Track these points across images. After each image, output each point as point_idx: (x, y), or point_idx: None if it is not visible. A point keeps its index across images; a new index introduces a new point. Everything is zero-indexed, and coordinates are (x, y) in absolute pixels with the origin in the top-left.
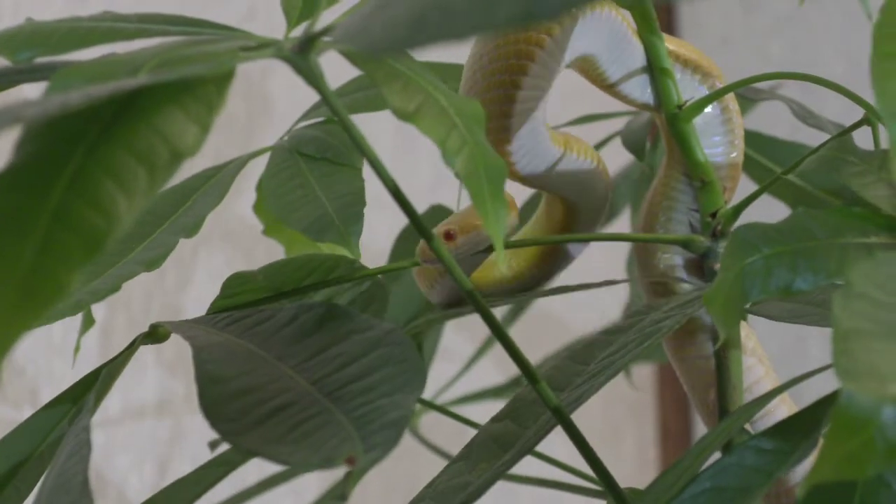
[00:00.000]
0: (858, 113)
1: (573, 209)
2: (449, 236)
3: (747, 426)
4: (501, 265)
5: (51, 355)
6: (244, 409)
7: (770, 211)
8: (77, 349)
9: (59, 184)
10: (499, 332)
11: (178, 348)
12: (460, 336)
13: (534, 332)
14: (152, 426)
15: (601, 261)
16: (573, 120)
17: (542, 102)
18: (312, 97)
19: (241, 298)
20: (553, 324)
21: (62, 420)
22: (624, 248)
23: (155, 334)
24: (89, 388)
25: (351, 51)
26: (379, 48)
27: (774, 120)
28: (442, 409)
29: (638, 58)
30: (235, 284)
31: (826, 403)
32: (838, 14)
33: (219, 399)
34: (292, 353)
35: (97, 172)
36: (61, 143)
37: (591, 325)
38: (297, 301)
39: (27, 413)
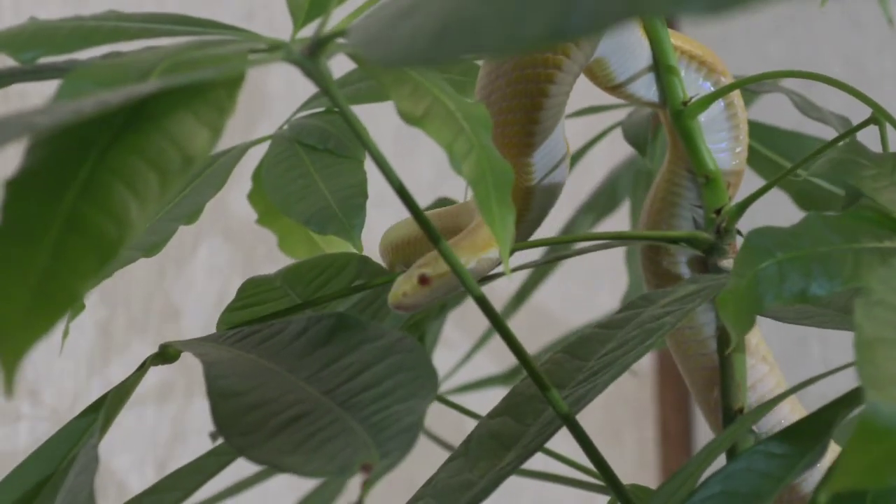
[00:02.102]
0: (859, 114)
1: (533, 192)
2: (424, 280)
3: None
4: (508, 273)
5: (51, 355)
6: (258, 423)
7: (774, 205)
8: (65, 335)
9: (70, 190)
10: (503, 331)
11: None
12: (460, 329)
13: (533, 331)
14: (153, 421)
15: (600, 256)
16: (575, 112)
17: (564, 108)
18: (312, 91)
19: (257, 300)
20: (552, 323)
21: (80, 439)
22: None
23: (164, 355)
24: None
25: (361, 54)
26: (398, 60)
27: (780, 113)
28: (443, 400)
29: (645, 56)
30: (250, 288)
31: (835, 407)
32: (838, 15)
33: (232, 413)
34: (304, 364)
35: (109, 178)
36: (73, 149)
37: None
38: (319, 309)
39: (27, 412)
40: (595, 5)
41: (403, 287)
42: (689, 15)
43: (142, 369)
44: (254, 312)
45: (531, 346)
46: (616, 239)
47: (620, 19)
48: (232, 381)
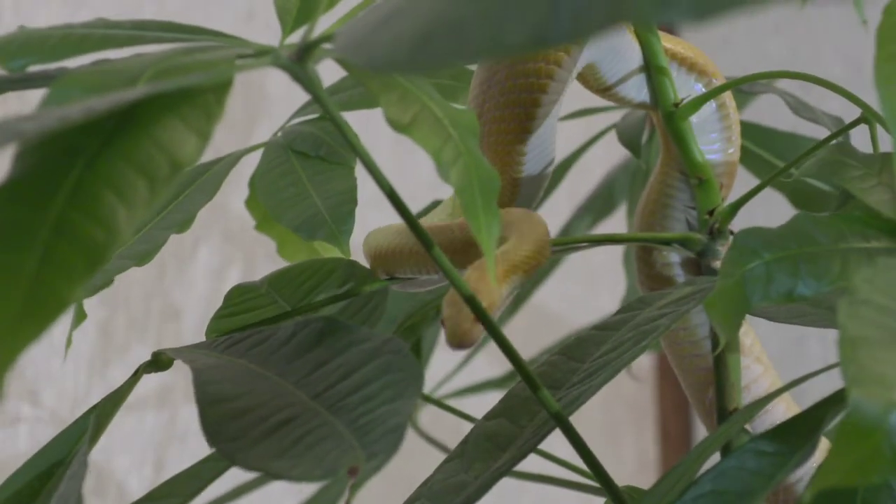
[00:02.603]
0: (855, 114)
1: (518, 184)
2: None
3: (746, 425)
4: (493, 281)
5: (51, 355)
6: (245, 428)
7: (767, 205)
8: (69, 343)
9: (59, 196)
10: (497, 336)
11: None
12: None
13: (532, 331)
14: (152, 423)
15: (600, 256)
16: (569, 114)
17: (555, 114)
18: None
19: (244, 307)
20: (552, 323)
21: (77, 443)
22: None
23: (157, 362)
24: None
25: (346, 59)
26: (381, 66)
27: (776, 114)
28: (440, 404)
29: (635, 59)
30: (237, 295)
31: (826, 405)
32: (838, 15)
33: (220, 419)
34: (293, 369)
35: (97, 185)
36: (61, 156)
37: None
38: (306, 315)
39: (27, 413)
40: (577, 12)
41: (464, 325)
42: (669, 20)
43: (135, 377)
44: (242, 320)
45: (531, 347)
46: (609, 241)
47: (603, 26)
48: (221, 387)
